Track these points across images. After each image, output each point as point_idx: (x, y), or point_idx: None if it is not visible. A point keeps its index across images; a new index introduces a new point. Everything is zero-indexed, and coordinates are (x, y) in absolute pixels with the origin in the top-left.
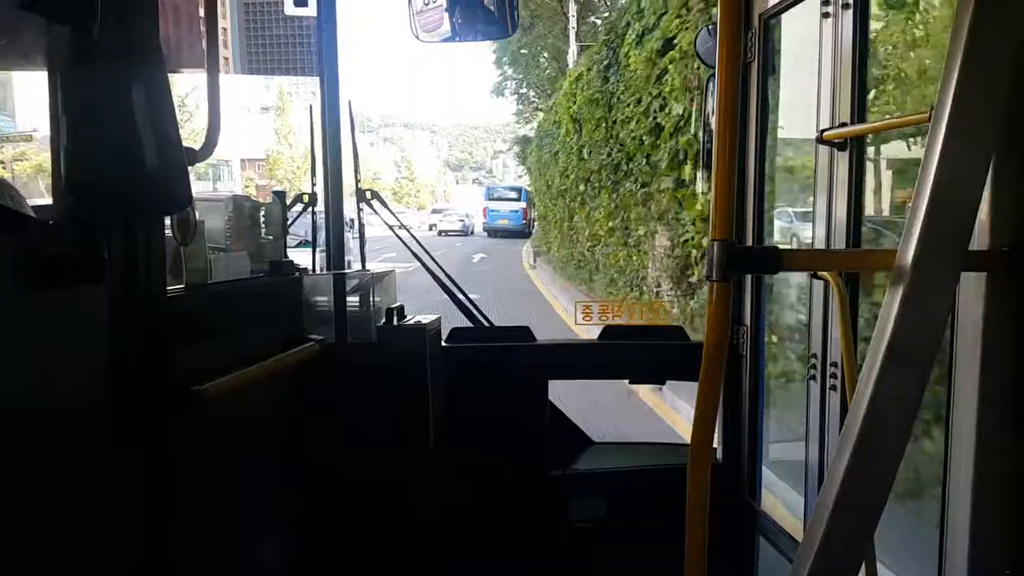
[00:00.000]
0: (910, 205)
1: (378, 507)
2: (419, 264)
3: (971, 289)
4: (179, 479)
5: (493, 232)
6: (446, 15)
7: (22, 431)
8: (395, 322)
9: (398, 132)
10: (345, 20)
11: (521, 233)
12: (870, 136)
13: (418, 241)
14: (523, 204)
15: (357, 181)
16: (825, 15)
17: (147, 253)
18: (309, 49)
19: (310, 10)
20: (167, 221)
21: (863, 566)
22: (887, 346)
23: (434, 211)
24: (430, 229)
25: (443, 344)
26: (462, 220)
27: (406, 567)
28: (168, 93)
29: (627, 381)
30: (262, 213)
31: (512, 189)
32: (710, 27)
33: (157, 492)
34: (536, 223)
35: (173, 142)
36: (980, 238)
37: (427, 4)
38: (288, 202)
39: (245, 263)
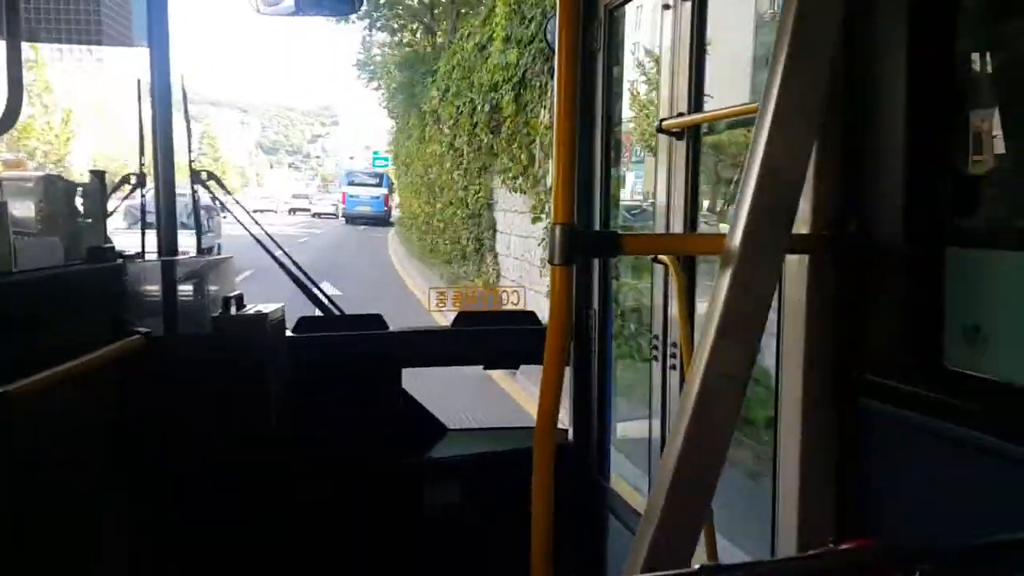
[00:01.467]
0: (738, 192)
1: (218, 511)
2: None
3: (794, 271)
4: None
5: (352, 219)
6: None
7: None
8: (233, 311)
9: (204, 110)
10: None
11: (383, 220)
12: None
13: (262, 227)
14: (384, 190)
15: (191, 161)
16: (666, 7)
17: None
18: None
19: None
20: None
21: (703, 536)
22: (717, 325)
23: (294, 196)
24: (291, 213)
25: (288, 335)
26: (334, 205)
27: (256, 567)
28: None
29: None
30: (79, 194)
31: (373, 175)
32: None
33: None
34: (398, 210)
35: None
36: (803, 223)
37: None
38: (115, 182)
39: (57, 249)
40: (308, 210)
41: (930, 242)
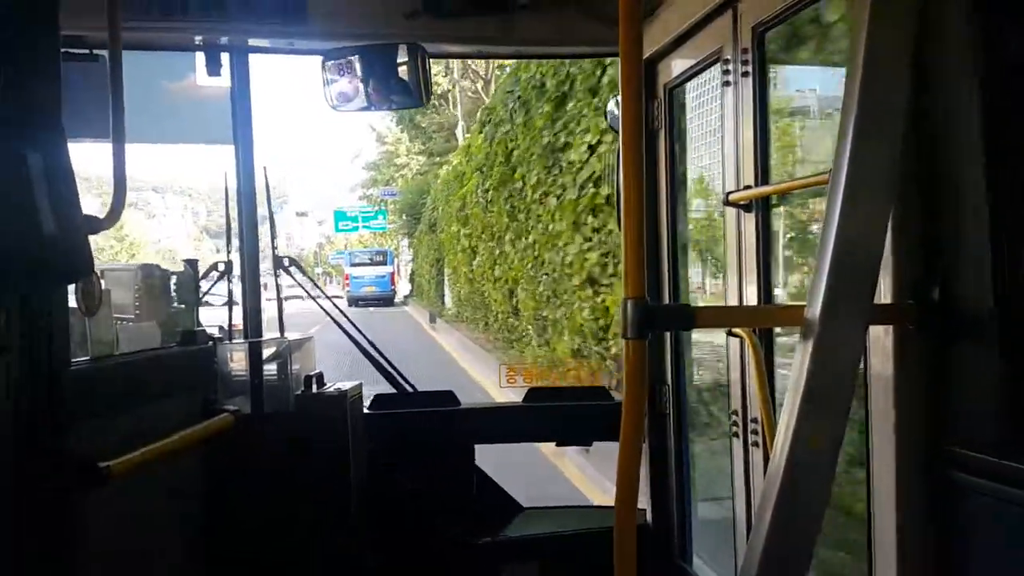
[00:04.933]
0: (815, 263)
1: None
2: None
3: (879, 341)
4: (82, 561)
5: (355, 301)
6: (361, 85)
7: None
8: (314, 390)
9: (146, 197)
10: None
11: (389, 300)
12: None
13: (340, 308)
14: (391, 268)
15: (274, 248)
16: (726, 83)
17: (48, 324)
18: None
19: (223, 80)
20: (71, 292)
21: None
22: (801, 399)
23: (289, 286)
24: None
25: (366, 411)
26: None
27: None
28: (68, 161)
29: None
30: (173, 282)
31: (378, 252)
32: (619, 97)
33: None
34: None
35: (72, 210)
36: (885, 292)
37: (341, 74)
38: (203, 270)
39: (154, 333)
40: (301, 297)
41: (1019, 307)
